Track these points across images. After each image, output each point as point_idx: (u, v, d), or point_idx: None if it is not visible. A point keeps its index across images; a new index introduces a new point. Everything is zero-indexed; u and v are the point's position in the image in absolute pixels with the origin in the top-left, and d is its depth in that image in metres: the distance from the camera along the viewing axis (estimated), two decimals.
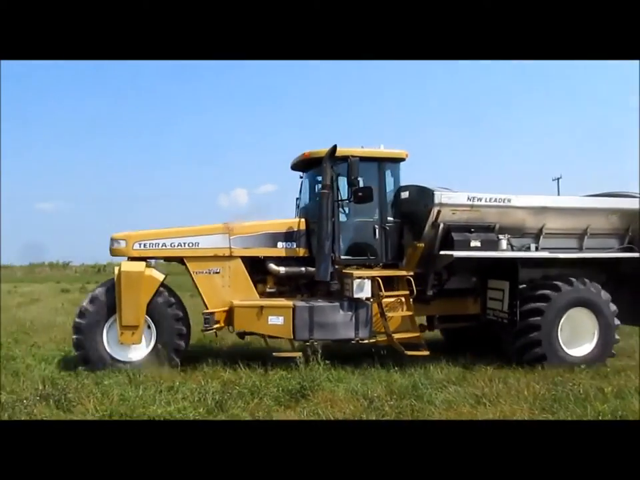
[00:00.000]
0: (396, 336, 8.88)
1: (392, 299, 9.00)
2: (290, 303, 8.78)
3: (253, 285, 9.07)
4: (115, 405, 6.40)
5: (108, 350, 8.42)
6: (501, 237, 9.13)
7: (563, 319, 9.05)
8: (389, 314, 8.84)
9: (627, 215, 9.69)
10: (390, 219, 9.26)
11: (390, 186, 9.43)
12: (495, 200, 9.18)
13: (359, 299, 8.71)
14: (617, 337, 9.24)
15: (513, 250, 9.34)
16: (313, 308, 8.68)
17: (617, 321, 9.21)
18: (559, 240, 9.73)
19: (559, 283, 9.11)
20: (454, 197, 9.07)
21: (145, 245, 8.89)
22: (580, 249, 9.67)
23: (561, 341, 9.00)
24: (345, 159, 8.65)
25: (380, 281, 8.73)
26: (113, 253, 9.00)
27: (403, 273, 9.12)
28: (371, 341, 8.95)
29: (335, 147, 8.66)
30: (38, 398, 6.38)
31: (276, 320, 8.62)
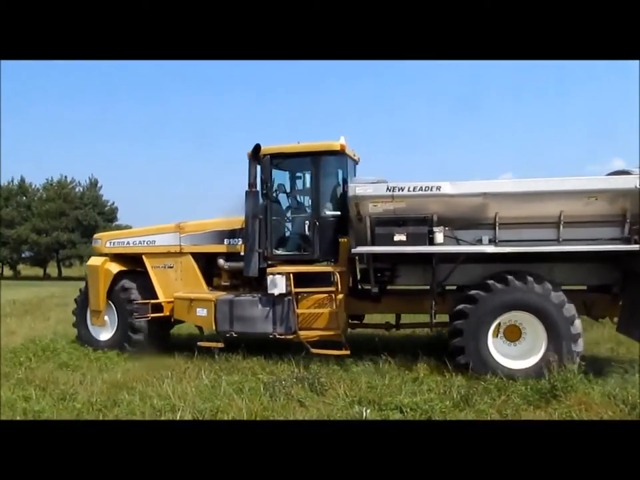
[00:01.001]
0: (317, 333, 8.61)
1: (323, 295, 8.66)
2: (213, 296, 9.08)
3: (201, 279, 9.62)
4: (363, 391, 6.66)
5: (91, 331, 10.03)
6: (436, 229, 8.05)
7: (494, 324, 7.82)
8: (301, 310, 8.62)
9: (619, 197, 7.64)
10: (328, 213, 8.93)
11: (332, 180, 9.19)
12: (421, 189, 8.06)
13: (278, 295, 8.63)
14: (577, 348, 7.49)
15: (459, 244, 8.23)
16: (233, 302, 8.89)
17: (575, 329, 7.56)
18: (531, 231, 8.09)
19: (491, 282, 7.82)
20: (370, 188, 8.22)
21: (113, 243, 10.22)
22: (557, 241, 7.91)
23: (491, 349, 7.77)
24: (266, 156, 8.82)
25: (292, 276, 8.56)
26: (93, 250, 10.68)
27: (328, 269, 8.79)
28: (288, 337, 8.69)
29: (257, 146, 8.72)
30: (294, 380, 6.88)
31: (201, 312, 9.02)
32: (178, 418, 5.78)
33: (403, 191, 8.09)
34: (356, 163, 9.91)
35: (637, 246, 7.44)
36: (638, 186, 7.40)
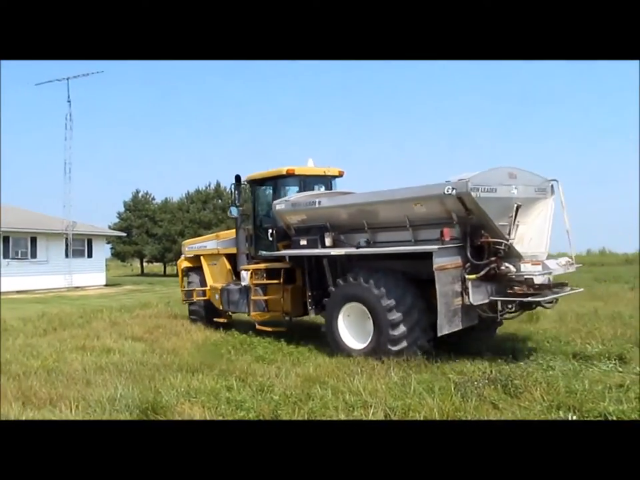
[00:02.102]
0: (266, 315, 11.35)
1: (273, 286, 11.06)
2: (220, 285, 12.39)
3: (231, 272, 12.40)
4: (561, 396, 6.23)
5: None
6: (326, 235, 9.81)
7: (342, 313, 9.34)
8: (255, 297, 11.24)
9: (437, 202, 8.49)
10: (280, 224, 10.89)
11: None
12: (308, 203, 10.13)
13: (245, 285, 11.38)
14: (395, 332, 8.44)
15: (345, 247, 9.77)
16: (227, 290, 12.08)
17: (394, 315, 8.46)
18: (392, 233, 9.29)
19: (339, 280, 9.50)
20: (283, 204, 10.45)
21: (186, 248, 14.04)
22: (411, 242, 8.95)
23: (341, 332, 9.30)
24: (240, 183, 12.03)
25: (251, 272, 11.27)
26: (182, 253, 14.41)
27: (276, 266, 11.05)
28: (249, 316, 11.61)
29: (237, 176, 11.68)
30: (486, 381, 6.62)
31: (216, 296, 12.38)
32: (370, 415, 5.83)
33: (299, 206, 10.19)
34: (327, 178, 11.82)
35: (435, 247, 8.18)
36: (446, 192, 8.15)
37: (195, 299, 13.00)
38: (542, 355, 8.74)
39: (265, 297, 11.20)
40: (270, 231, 11.20)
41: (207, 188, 51.46)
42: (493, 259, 8.37)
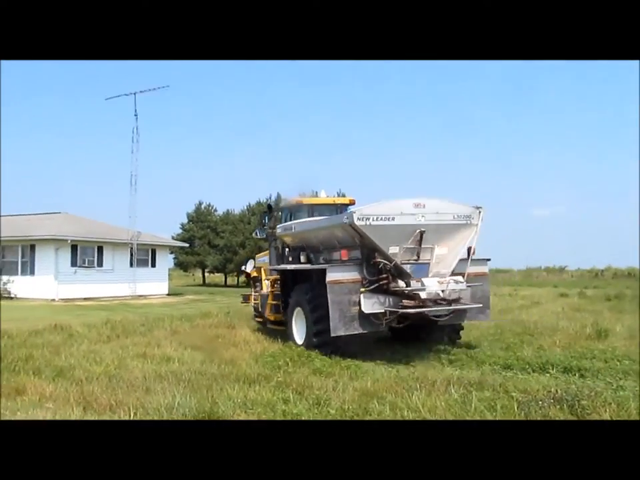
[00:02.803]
0: (261, 318, 14.24)
1: (259, 294, 14.48)
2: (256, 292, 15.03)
3: None
4: (633, 418, 5.87)
5: None
6: (302, 253, 12.17)
7: (294, 315, 11.73)
8: (268, 301, 13.34)
9: (345, 229, 10.28)
10: None
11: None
12: (289, 228, 12.96)
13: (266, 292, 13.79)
14: (315, 328, 10.52)
15: (312, 263, 11.94)
16: (261, 296, 14.02)
17: (314, 317, 10.61)
18: (320, 253, 11.88)
19: (293, 290, 12.02)
20: (280, 228, 13.37)
21: (256, 261, 15.92)
22: (327, 260, 11.46)
23: (293, 330, 11.63)
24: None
25: (271, 281, 13.51)
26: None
27: (262, 276, 14.50)
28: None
29: (269, 205, 15.66)
30: (552, 401, 6.34)
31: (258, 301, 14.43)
32: None
33: (287, 230, 12.97)
34: (337, 206, 13.30)
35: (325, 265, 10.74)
36: (343, 221, 10.19)
37: (251, 302, 15.38)
38: (611, 374, 8.32)
39: (273, 302, 13.02)
40: (279, 248, 13.46)
41: (267, 200, 52.08)
42: (384, 276, 10.01)
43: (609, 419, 5.90)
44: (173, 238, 49.10)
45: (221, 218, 55.24)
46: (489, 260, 11.80)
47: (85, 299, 27.78)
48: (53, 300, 27.10)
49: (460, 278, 10.33)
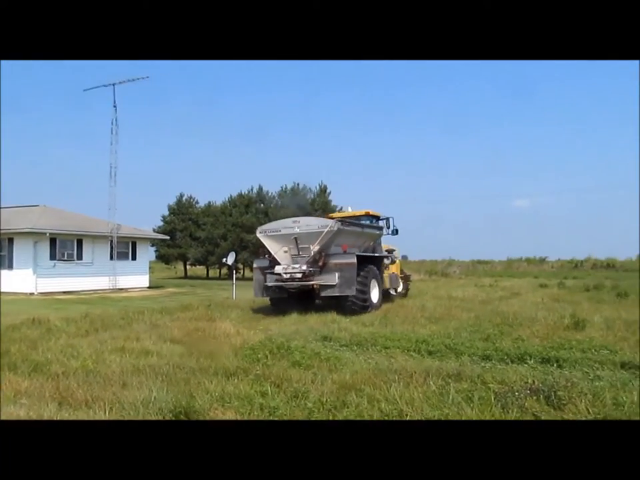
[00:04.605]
0: None
1: None
2: None
3: None
4: (608, 408, 5.94)
5: None
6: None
7: None
8: None
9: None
10: None
11: None
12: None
13: None
14: None
15: None
16: None
17: None
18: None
19: None
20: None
21: None
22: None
23: None
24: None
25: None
26: None
27: None
28: None
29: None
30: (528, 392, 6.37)
31: None
32: None
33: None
34: (357, 217, 20.47)
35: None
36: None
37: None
38: (588, 365, 8.40)
39: None
40: None
41: (249, 192, 51.89)
42: (272, 264, 17.05)
43: (584, 409, 5.95)
44: (154, 230, 48.81)
45: (202, 210, 54.99)
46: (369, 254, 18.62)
47: (64, 292, 27.58)
48: (32, 294, 26.86)
49: (303, 266, 16.25)
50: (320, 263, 16.31)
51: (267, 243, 17.15)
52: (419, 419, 5.77)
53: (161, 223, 54.84)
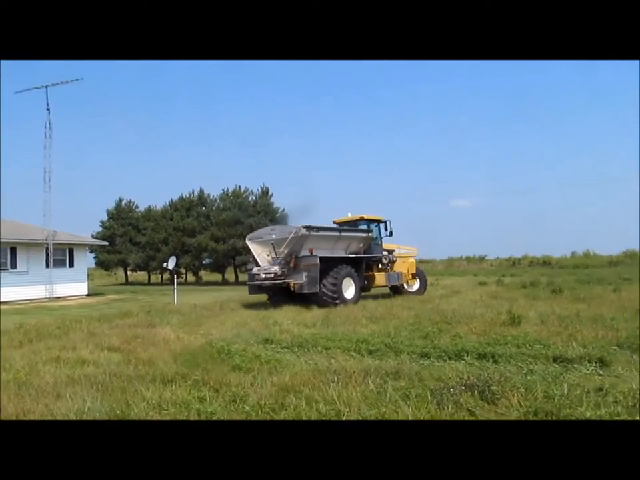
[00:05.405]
0: None
1: None
2: None
3: None
4: (539, 402, 6.10)
5: None
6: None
7: None
8: None
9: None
10: None
11: None
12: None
13: None
14: None
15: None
16: None
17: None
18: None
19: None
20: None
21: None
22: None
23: None
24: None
25: None
26: None
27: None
28: None
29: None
30: (463, 387, 6.50)
31: None
32: None
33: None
34: (353, 222, 23.34)
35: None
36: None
37: None
38: (522, 359, 8.65)
39: None
40: None
41: (190, 195, 51.23)
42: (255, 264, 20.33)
43: (517, 403, 6.11)
44: (92, 236, 47.58)
45: (142, 214, 53.96)
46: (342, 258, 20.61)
47: None
48: None
49: (276, 267, 19.14)
50: (291, 265, 18.88)
51: (253, 248, 20.21)
52: (356, 418, 5.81)
53: (100, 229, 53.55)
